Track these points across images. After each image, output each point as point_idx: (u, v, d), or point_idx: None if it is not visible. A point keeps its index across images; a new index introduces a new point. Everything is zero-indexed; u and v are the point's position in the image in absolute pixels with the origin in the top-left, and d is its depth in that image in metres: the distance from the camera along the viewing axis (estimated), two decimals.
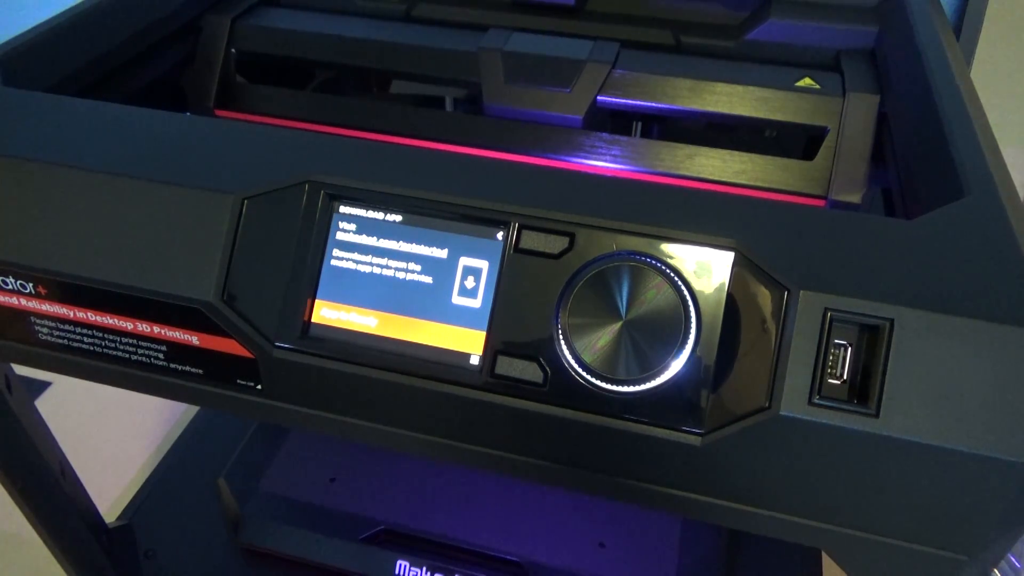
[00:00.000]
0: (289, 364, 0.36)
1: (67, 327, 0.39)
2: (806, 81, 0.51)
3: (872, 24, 0.54)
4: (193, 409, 0.90)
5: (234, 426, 0.80)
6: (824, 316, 0.30)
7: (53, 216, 0.37)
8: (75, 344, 0.40)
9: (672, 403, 0.32)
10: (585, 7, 0.60)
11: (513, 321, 0.34)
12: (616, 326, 0.32)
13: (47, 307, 0.39)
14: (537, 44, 0.54)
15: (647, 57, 0.54)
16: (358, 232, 0.36)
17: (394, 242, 0.35)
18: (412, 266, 0.35)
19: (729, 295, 0.32)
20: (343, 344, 0.36)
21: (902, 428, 0.29)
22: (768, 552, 0.68)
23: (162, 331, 0.38)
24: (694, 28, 0.58)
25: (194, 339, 0.37)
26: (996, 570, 0.69)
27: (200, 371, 0.38)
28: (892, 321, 0.30)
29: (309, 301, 0.36)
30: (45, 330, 0.40)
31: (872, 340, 0.30)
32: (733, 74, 0.52)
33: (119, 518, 0.72)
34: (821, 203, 0.49)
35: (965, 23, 0.65)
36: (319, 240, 0.36)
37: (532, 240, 0.34)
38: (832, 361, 0.31)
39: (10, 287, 0.39)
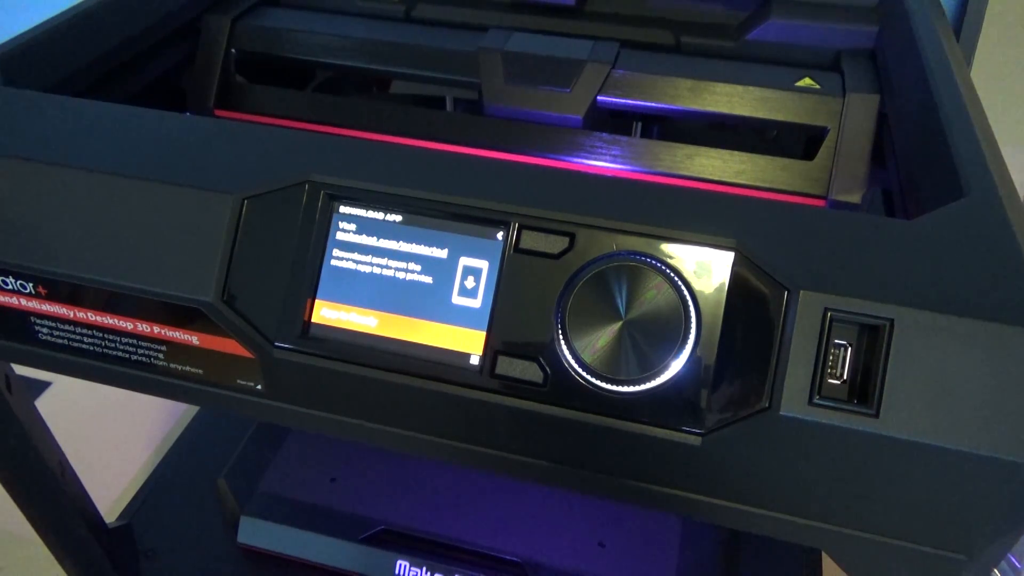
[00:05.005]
0: (289, 364, 0.36)
1: (67, 327, 0.39)
2: (806, 81, 0.51)
3: (872, 24, 0.54)
4: (193, 409, 0.90)
5: (234, 426, 0.80)
6: (824, 316, 0.30)
7: (53, 216, 0.37)
8: (75, 344, 0.40)
9: (672, 403, 0.32)
10: (585, 7, 0.60)
11: (513, 321, 0.34)
12: (616, 326, 0.32)
13: (47, 307, 0.39)
14: (537, 44, 0.54)
15: (647, 57, 0.54)
16: (358, 232, 0.36)
17: (394, 242, 0.35)
18: (412, 266, 0.35)
19: (729, 295, 0.32)
20: (343, 344, 0.36)
21: (902, 428, 0.29)
22: (768, 552, 0.68)
23: (162, 331, 0.38)
24: (694, 28, 0.58)
25: (194, 339, 0.37)
26: (996, 570, 0.69)
27: (200, 371, 0.38)
28: (892, 321, 0.30)
29: (309, 301, 0.36)
30: (45, 330, 0.40)
31: (872, 340, 0.30)
32: (733, 74, 0.52)
33: (119, 518, 0.72)
34: (821, 203, 0.49)
35: (965, 23, 0.65)
36: (319, 240, 0.36)
37: (532, 240, 0.34)
38: (832, 361, 0.31)
39: (10, 287, 0.39)
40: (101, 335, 0.39)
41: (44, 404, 0.95)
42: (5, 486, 0.53)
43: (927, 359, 0.29)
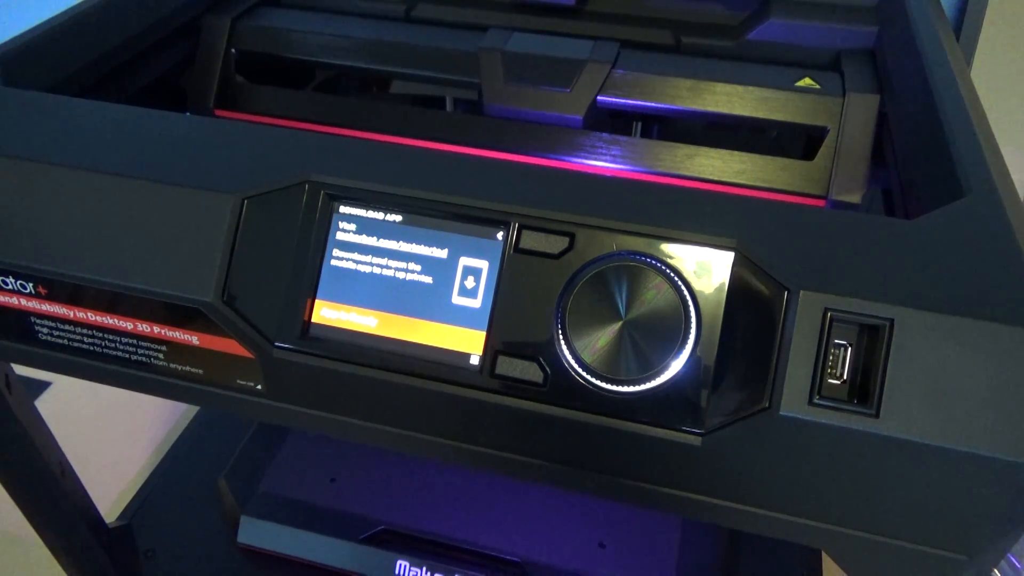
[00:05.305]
0: (289, 364, 0.36)
1: (67, 327, 0.39)
2: (806, 81, 0.51)
3: (872, 24, 0.54)
4: (193, 409, 0.90)
5: (234, 426, 0.80)
6: (824, 316, 0.30)
7: (53, 216, 0.37)
8: (75, 344, 0.40)
9: (672, 403, 0.32)
10: (585, 7, 0.60)
11: (513, 321, 0.34)
12: (616, 326, 0.32)
13: (47, 307, 0.39)
14: (537, 44, 0.54)
15: (647, 57, 0.54)
16: (358, 232, 0.36)
17: (394, 242, 0.35)
18: (412, 266, 0.35)
19: (729, 295, 0.32)
20: (343, 344, 0.36)
21: (902, 428, 0.29)
22: (768, 552, 0.68)
23: (162, 331, 0.38)
24: (694, 28, 0.58)
25: (194, 339, 0.37)
26: (996, 570, 0.69)
27: (200, 371, 0.38)
28: (892, 321, 0.30)
29: (309, 301, 0.36)
30: (45, 330, 0.40)
31: (872, 340, 0.30)
32: (733, 74, 0.52)
33: (119, 518, 0.72)
34: (821, 203, 0.49)
35: (965, 23, 0.65)
36: (319, 240, 0.36)
37: (532, 240, 0.34)
38: (832, 361, 0.31)
39: (10, 287, 0.39)
40: (101, 335, 0.39)
41: (44, 404, 0.95)
42: (5, 486, 0.53)
43: (927, 359, 0.29)
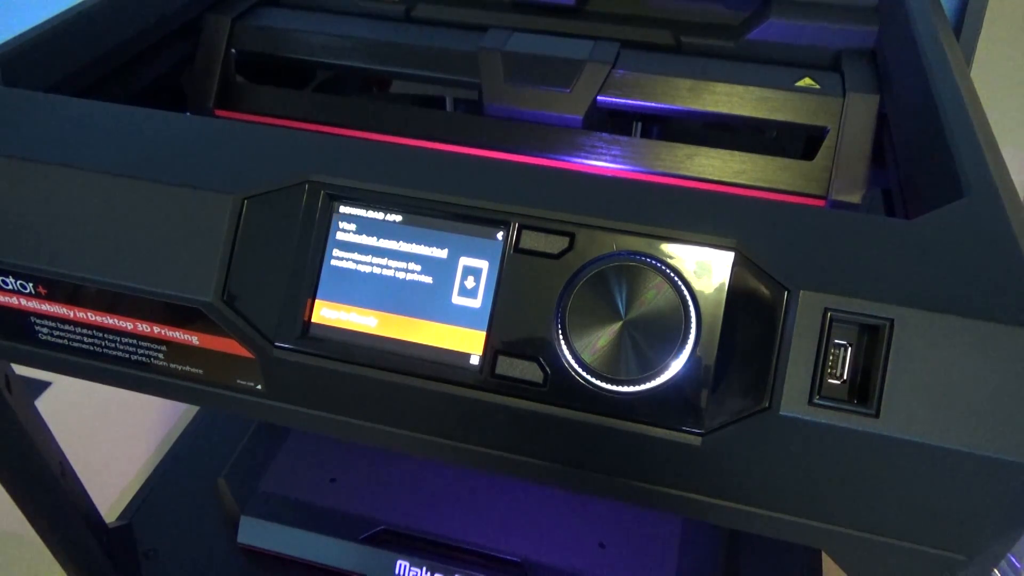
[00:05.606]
0: (289, 364, 0.36)
1: (67, 327, 0.39)
2: (806, 81, 0.51)
3: (872, 24, 0.54)
4: (193, 409, 0.90)
5: (234, 426, 0.80)
6: (824, 316, 0.30)
7: (53, 216, 0.37)
8: (75, 344, 0.40)
9: (672, 403, 0.32)
10: (585, 7, 0.60)
11: (513, 321, 0.34)
12: (616, 326, 0.32)
13: (47, 307, 0.39)
14: (537, 44, 0.54)
15: (647, 57, 0.54)
16: (358, 232, 0.36)
17: (394, 242, 0.35)
18: (412, 266, 0.35)
19: (729, 295, 0.32)
20: (343, 344, 0.36)
21: (902, 428, 0.29)
22: (768, 552, 0.68)
23: (162, 331, 0.38)
24: (694, 28, 0.58)
25: (194, 339, 0.37)
26: (996, 570, 0.69)
27: (200, 371, 0.38)
28: (892, 321, 0.30)
29: (309, 301, 0.36)
30: (45, 330, 0.40)
31: (872, 340, 0.30)
32: (733, 74, 0.52)
33: (119, 518, 0.72)
34: (821, 203, 0.49)
35: (965, 23, 0.65)
36: (319, 240, 0.36)
37: (532, 240, 0.34)
38: (832, 361, 0.31)
39: (10, 287, 0.39)
40: (101, 335, 0.39)
41: (44, 404, 0.95)
42: (5, 486, 0.53)
43: (927, 359, 0.29)
